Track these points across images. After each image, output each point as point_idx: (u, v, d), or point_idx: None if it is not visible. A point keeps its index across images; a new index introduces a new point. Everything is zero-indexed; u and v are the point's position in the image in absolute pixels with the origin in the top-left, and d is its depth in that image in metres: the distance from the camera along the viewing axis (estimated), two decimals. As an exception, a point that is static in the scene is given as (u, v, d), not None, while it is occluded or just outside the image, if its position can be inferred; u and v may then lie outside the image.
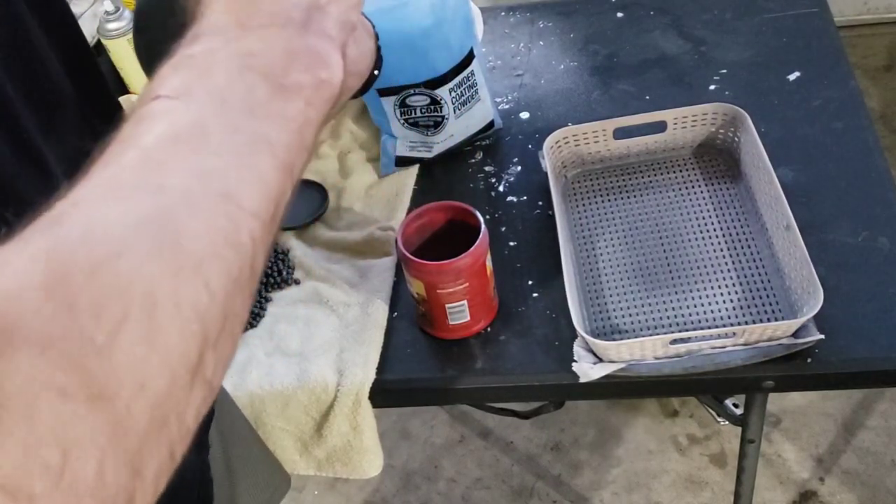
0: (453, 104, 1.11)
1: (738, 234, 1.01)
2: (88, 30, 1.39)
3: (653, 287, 0.98)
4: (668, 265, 1.00)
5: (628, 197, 1.08)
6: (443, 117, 1.12)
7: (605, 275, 1.00)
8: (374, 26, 0.55)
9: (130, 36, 1.31)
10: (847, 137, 1.09)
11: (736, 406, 1.37)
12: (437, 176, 1.18)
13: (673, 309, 0.95)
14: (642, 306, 0.96)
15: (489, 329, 0.98)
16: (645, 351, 0.86)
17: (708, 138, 1.10)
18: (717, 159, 1.09)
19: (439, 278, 0.90)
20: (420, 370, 0.96)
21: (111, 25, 1.31)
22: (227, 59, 0.40)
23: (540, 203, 1.10)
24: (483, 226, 0.91)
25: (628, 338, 0.91)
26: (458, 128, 1.15)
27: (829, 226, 0.99)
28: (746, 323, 0.92)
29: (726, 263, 0.98)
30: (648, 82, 1.24)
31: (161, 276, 0.31)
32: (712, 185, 1.07)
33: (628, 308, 0.96)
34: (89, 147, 0.36)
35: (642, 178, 1.10)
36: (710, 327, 0.92)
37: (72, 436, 0.27)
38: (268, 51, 0.41)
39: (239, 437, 0.92)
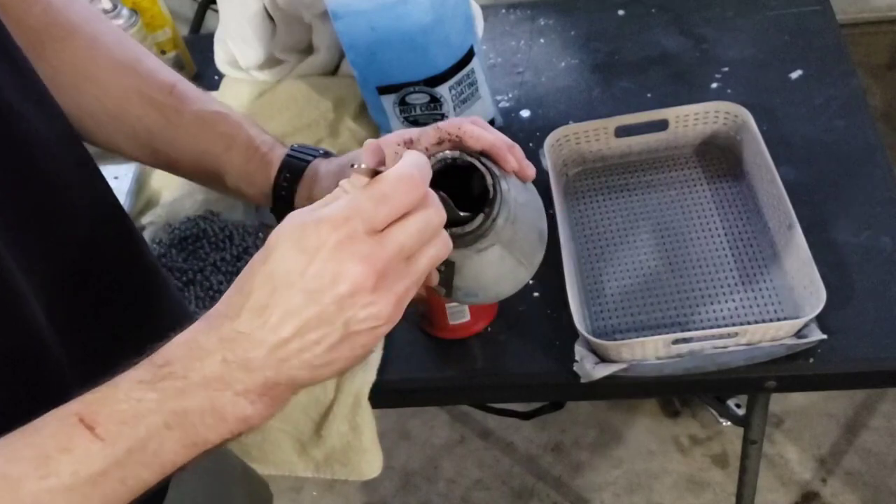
0: (453, 102, 1.11)
1: (740, 233, 1.00)
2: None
3: (654, 287, 0.97)
4: (670, 264, 0.99)
5: (629, 196, 1.08)
6: (442, 115, 1.11)
7: (607, 274, 0.99)
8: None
9: (129, 34, 1.30)
10: (849, 136, 1.08)
11: (738, 406, 1.36)
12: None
13: (675, 309, 0.94)
14: (644, 306, 0.95)
15: (489, 329, 0.97)
16: (646, 351, 0.86)
17: (710, 137, 1.09)
18: (719, 158, 1.09)
19: (439, 277, 0.89)
20: (420, 370, 0.96)
21: (109, 23, 1.30)
22: (158, 412, 0.46)
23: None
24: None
25: (630, 338, 0.90)
26: (458, 126, 1.14)
27: (831, 225, 0.98)
28: (748, 323, 0.91)
29: (728, 263, 0.97)
30: (650, 80, 1.23)
31: None
32: (714, 183, 1.06)
33: (629, 308, 0.95)
34: None
35: (644, 176, 1.10)
36: (711, 327, 0.91)
37: None
38: (199, 413, 0.47)
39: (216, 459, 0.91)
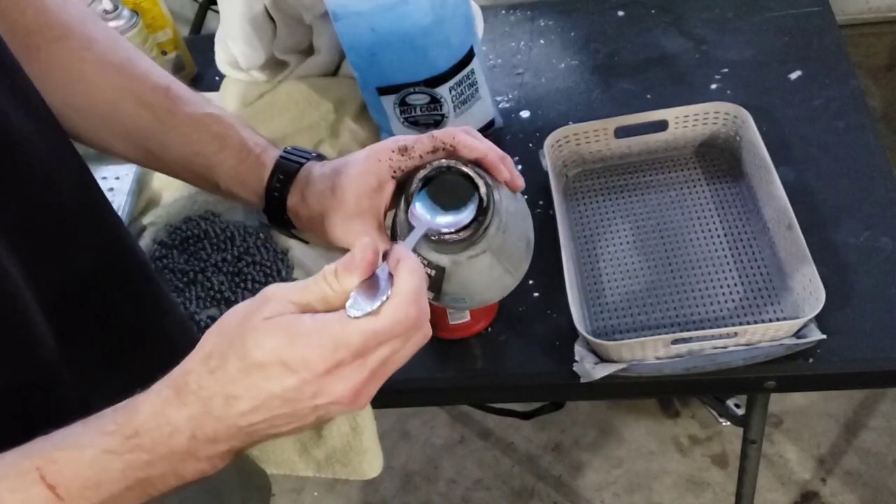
0: (453, 102, 1.11)
1: (739, 233, 1.00)
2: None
3: (654, 287, 0.97)
4: (670, 265, 0.99)
5: (629, 196, 1.08)
6: (443, 116, 1.12)
7: (606, 274, 1.00)
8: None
9: (129, 35, 1.31)
10: (849, 137, 1.08)
11: (737, 406, 1.37)
12: (437, 175, 1.17)
13: (674, 309, 0.95)
14: (643, 306, 0.96)
15: (489, 329, 0.97)
16: (646, 351, 0.86)
17: (709, 137, 1.09)
18: (719, 158, 1.09)
19: (439, 278, 0.89)
20: (420, 370, 0.96)
21: (110, 24, 1.30)
22: (122, 480, 0.48)
23: (540, 202, 1.10)
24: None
25: (629, 338, 0.90)
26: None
27: (830, 225, 0.98)
28: (748, 323, 0.91)
29: (728, 263, 0.98)
30: (649, 81, 1.23)
31: None
32: (714, 184, 1.07)
33: (629, 308, 0.96)
34: None
35: (643, 177, 1.10)
36: (711, 327, 0.91)
37: None
38: (161, 478, 0.49)
39: None
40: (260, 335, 0.47)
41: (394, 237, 0.67)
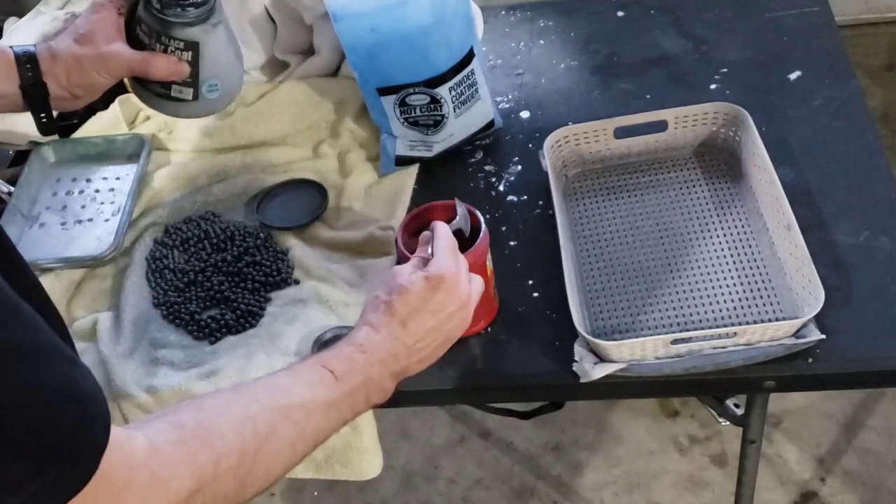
0: (453, 103, 1.11)
1: (739, 233, 1.00)
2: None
3: (653, 287, 0.97)
4: (669, 265, 0.99)
5: (629, 196, 1.08)
6: (443, 116, 1.12)
7: (606, 274, 1.00)
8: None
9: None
10: (848, 137, 1.08)
11: (737, 406, 1.36)
12: (437, 175, 1.17)
13: (674, 309, 0.95)
14: (643, 306, 0.96)
15: (489, 329, 0.97)
16: (646, 351, 0.86)
17: (709, 138, 1.09)
18: (718, 159, 1.09)
19: (439, 278, 0.90)
20: (420, 370, 0.96)
21: (110, 25, 1.30)
22: (362, 372, 0.74)
23: (540, 203, 1.10)
24: (483, 225, 0.90)
25: (629, 338, 0.90)
26: (458, 127, 1.15)
27: (830, 225, 0.99)
28: (747, 323, 0.92)
29: (727, 263, 0.98)
30: (649, 81, 1.23)
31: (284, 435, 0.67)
32: (713, 184, 1.07)
33: (629, 308, 0.96)
34: None
35: (643, 177, 1.10)
36: (710, 327, 0.91)
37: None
38: (375, 380, 0.75)
39: None
40: (413, 290, 0.77)
41: (135, 37, 0.81)
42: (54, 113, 0.90)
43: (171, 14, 0.76)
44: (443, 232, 0.81)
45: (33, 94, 0.79)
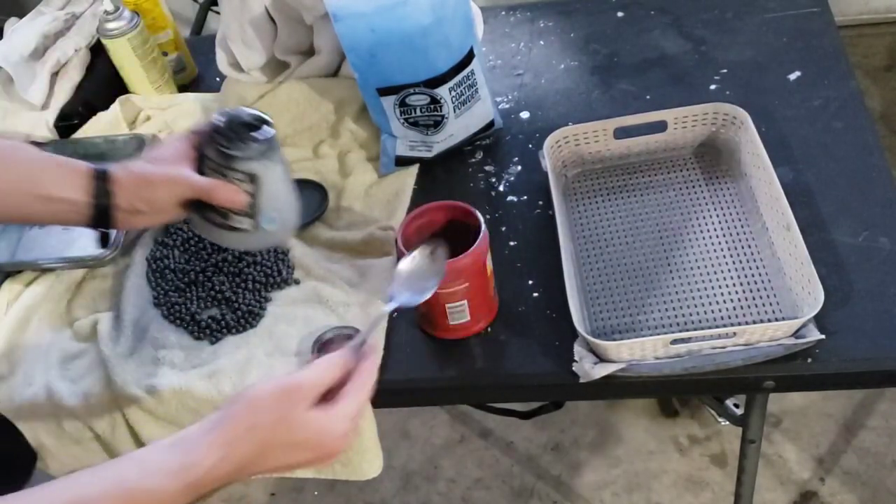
0: (453, 103, 1.11)
1: (738, 233, 1.00)
2: (88, 29, 1.39)
3: (653, 287, 0.97)
4: (669, 265, 0.99)
5: (629, 197, 1.08)
6: (443, 116, 1.12)
7: (606, 275, 1.00)
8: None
9: (130, 35, 1.31)
10: (847, 137, 1.09)
11: (736, 406, 1.36)
12: (437, 176, 1.17)
13: (673, 309, 0.95)
14: (642, 306, 0.96)
15: (489, 329, 0.97)
16: (645, 351, 0.86)
17: (708, 138, 1.09)
18: (718, 159, 1.09)
19: (439, 278, 0.90)
20: (420, 370, 0.96)
21: (111, 25, 1.30)
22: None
23: (540, 203, 1.10)
24: (483, 226, 0.91)
25: (628, 338, 0.90)
26: (458, 127, 1.15)
27: (829, 226, 0.99)
28: (747, 323, 0.92)
29: (727, 263, 0.98)
30: (649, 82, 1.23)
31: None
32: (713, 184, 1.07)
33: (628, 308, 0.96)
34: None
35: (643, 177, 1.10)
36: (710, 327, 0.92)
37: None
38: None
39: None
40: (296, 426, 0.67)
41: (202, 172, 0.84)
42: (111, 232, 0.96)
43: (235, 148, 0.83)
44: (368, 370, 0.71)
45: (100, 207, 0.83)
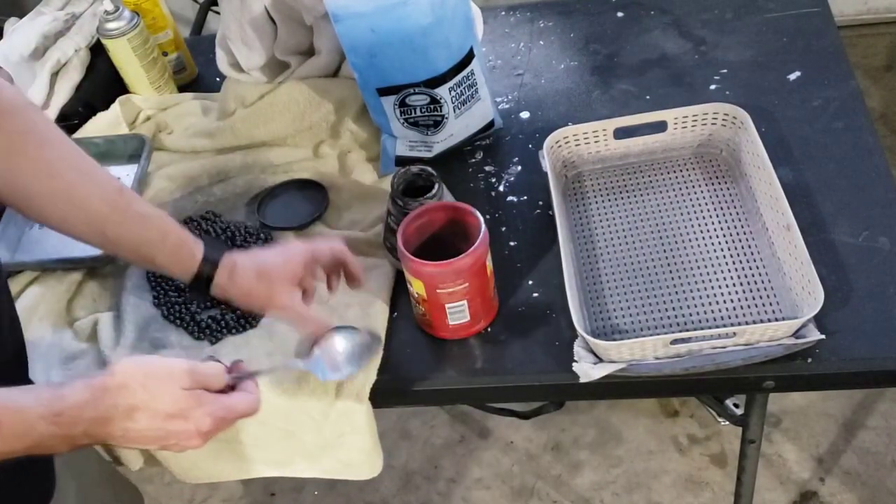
0: (453, 103, 1.11)
1: (738, 234, 1.01)
2: (88, 29, 1.39)
3: (653, 287, 0.98)
4: (669, 265, 0.99)
5: (628, 197, 1.08)
6: (443, 117, 1.12)
7: (606, 275, 1.00)
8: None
9: (130, 35, 1.31)
10: (847, 137, 1.09)
11: (736, 406, 1.36)
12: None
13: (673, 309, 0.95)
14: (642, 306, 0.96)
15: (489, 329, 0.97)
16: (645, 351, 0.86)
17: (708, 138, 1.09)
18: (718, 159, 1.09)
19: (439, 278, 0.90)
20: (420, 370, 0.96)
21: (111, 25, 1.30)
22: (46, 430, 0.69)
23: (540, 203, 1.10)
24: (483, 226, 0.91)
25: (628, 338, 0.91)
26: (457, 127, 1.15)
27: (829, 226, 0.99)
28: (747, 323, 0.92)
29: (727, 263, 0.98)
30: (649, 82, 1.23)
31: None
32: (713, 185, 1.07)
33: (628, 308, 0.96)
34: None
35: (642, 177, 1.10)
36: (710, 327, 0.92)
37: None
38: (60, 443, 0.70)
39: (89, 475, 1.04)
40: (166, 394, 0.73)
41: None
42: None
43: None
44: (244, 398, 0.78)
45: (198, 285, 0.91)
